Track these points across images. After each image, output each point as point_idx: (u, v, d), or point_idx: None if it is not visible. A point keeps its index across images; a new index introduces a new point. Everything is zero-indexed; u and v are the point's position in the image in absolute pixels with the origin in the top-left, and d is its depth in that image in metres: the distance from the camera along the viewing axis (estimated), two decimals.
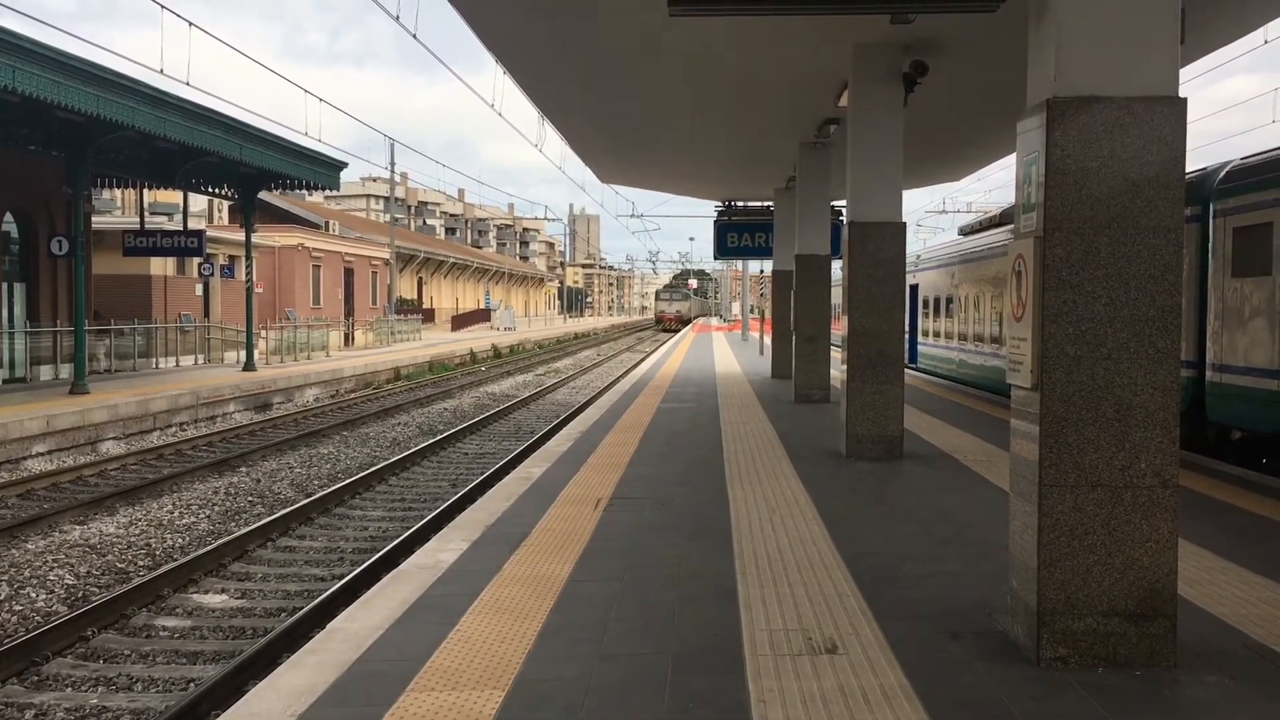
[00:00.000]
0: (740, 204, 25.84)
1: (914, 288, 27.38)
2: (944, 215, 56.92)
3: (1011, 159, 17.99)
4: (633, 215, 61.98)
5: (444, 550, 6.86)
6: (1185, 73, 12.42)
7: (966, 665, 4.69)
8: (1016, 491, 4.94)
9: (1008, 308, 5.04)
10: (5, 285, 24.17)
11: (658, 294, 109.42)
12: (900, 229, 10.95)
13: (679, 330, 75.02)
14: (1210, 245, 11.96)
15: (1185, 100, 4.55)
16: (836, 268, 19.67)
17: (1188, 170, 4.65)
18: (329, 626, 5.32)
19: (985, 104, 13.98)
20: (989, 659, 4.76)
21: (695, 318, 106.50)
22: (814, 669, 4.64)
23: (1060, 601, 4.63)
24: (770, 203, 23.93)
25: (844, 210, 12.37)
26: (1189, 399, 12.25)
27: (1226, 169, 11.98)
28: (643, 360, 33.97)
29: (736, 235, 25.60)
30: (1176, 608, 4.67)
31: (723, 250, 26.17)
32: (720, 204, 25.93)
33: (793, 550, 6.86)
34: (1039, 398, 4.65)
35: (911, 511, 8.24)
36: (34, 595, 8.90)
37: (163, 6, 17.41)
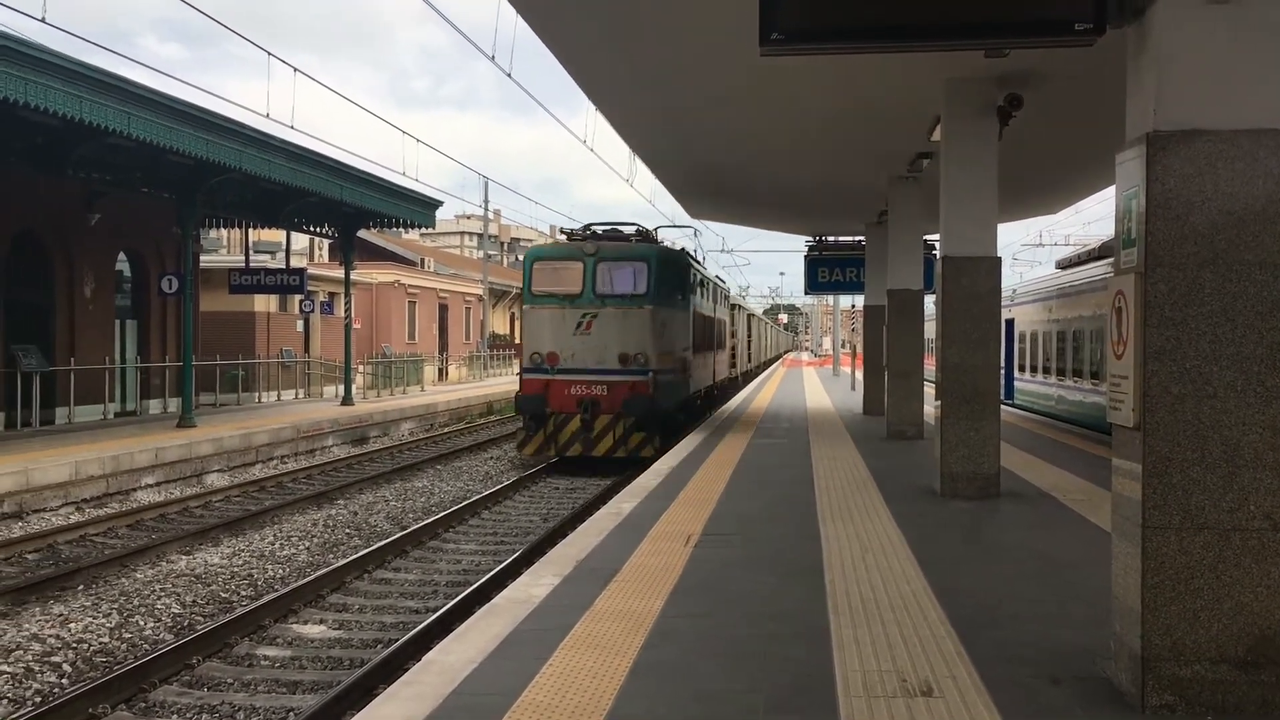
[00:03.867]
0: (831, 239, 25.75)
1: (1009, 322, 26.91)
2: (1040, 249, 55.63)
3: (1110, 191, 17.62)
4: (722, 250, 61.83)
5: (536, 585, 6.92)
6: None
7: (1067, 712, 4.58)
8: (1119, 533, 4.82)
9: (1108, 345, 4.94)
10: (118, 322, 25.14)
11: (533, 261, 19.20)
12: (995, 263, 10.80)
13: (603, 451, 18.23)
14: None
15: None
16: (929, 302, 19.47)
17: None
18: (424, 659, 5.41)
19: (1083, 135, 13.75)
20: (1091, 706, 4.63)
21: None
22: (909, 712, 4.56)
23: (1166, 647, 4.49)
24: (861, 237, 23.79)
25: (937, 244, 12.24)
26: None
27: None
28: (736, 394, 33.87)
29: (827, 270, 25.50)
30: None
31: (813, 285, 26.10)
32: (810, 239, 25.87)
33: (886, 589, 6.76)
34: (1141, 437, 4.54)
35: (1009, 551, 8.07)
36: (142, 623, 9.19)
37: (270, 54, 18.08)
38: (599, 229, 20.03)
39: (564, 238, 20.18)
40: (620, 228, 20.13)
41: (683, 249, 22.23)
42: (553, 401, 17.98)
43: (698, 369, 23.27)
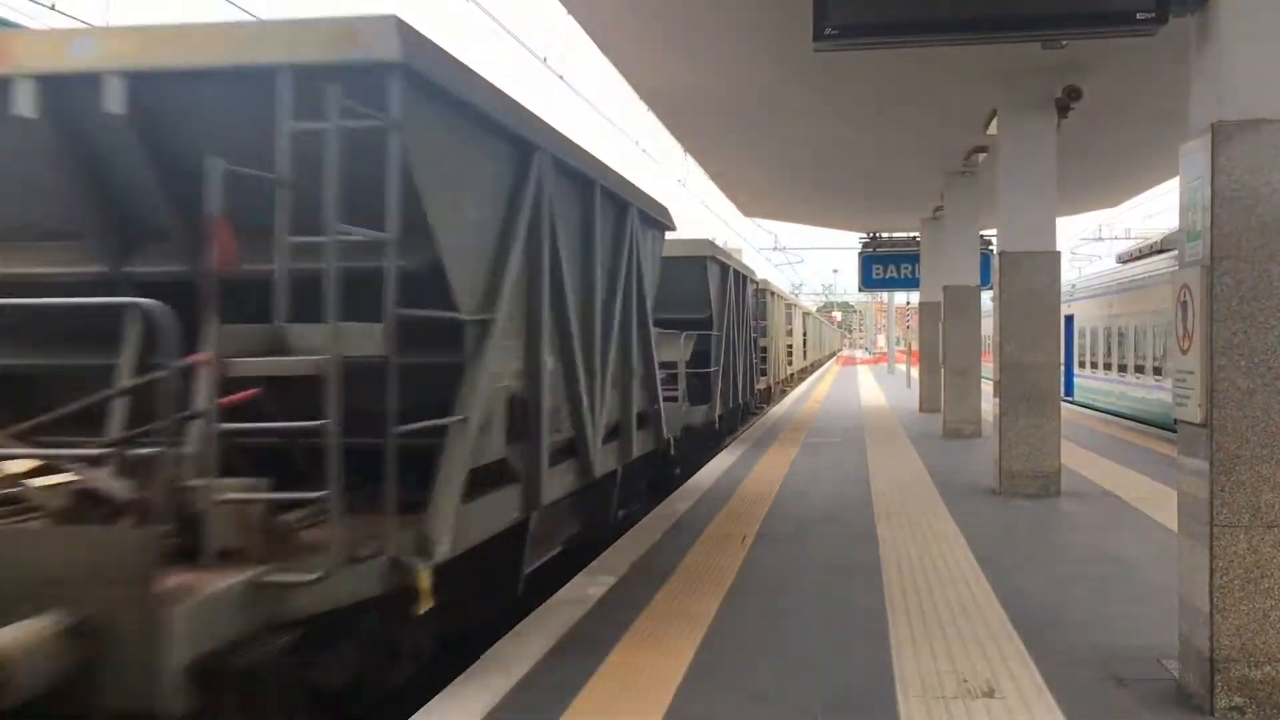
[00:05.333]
0: (885, 235, 25.56)
1: (1069, 318, 26.50)
2: (1100, 243, 54.45)
3: (1172, 184, 17.28)
4: (775, 248, 61.42)
5: (592, 585, 6.93)
6: None
7: (1133, 714, 4.49)
8: (1185, 532, 4.72)
9: (1173, 340, 4.85)
10: None
11: None
12: (1054, 258, 10.65)
13: None
14: None
15: None
16: (987, 298, 19.26)
17: None
18: (483, 656, 5.44)
19: (1144, 126, 13.49)
20: (1157, 708, 4.54)
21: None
22: (969, 714, 4.51)
23: (1235, 648, 4.39)
24: (916, 233, 23.58)
25: (994, 239, 12.09)
26: None
27: None
28: (788, 395, 33.74)
29: (882, 266, 25.33)
30: None
31: (868, 282, 25.93)
32: (865, 235, 25.68)
33: (944, 589, 6.69)
34: (1208, 433, 4.44)
35: (1070, 550, 7.95)
36: None
37: None
38: None
39: None
40: None
41: None
42: None
43: None
